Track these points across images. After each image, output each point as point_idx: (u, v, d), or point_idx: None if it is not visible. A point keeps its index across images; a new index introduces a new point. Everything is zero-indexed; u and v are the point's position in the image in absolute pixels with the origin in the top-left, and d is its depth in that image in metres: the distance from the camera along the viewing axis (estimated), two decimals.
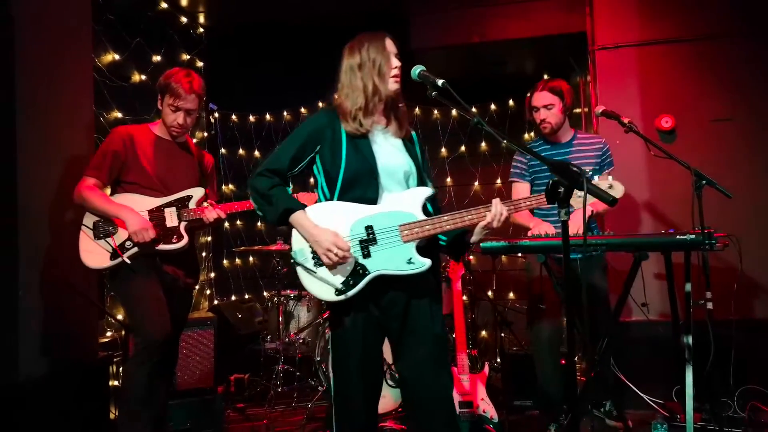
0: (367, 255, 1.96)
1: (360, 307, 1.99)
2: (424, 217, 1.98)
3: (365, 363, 2.01)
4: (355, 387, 2.01)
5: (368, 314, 2.00)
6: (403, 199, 2.01)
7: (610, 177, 2.04)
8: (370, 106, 2.02)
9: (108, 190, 2.77)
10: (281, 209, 1.97)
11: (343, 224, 1.98)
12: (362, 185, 1.99)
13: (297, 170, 2.05)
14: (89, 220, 2.67)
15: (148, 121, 2.88)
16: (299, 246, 2.02)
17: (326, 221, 1.97)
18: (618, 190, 2.00)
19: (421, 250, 1.98)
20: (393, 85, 2.03)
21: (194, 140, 5.25)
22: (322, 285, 1.98)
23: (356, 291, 1.95)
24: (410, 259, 1.95)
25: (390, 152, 2.06)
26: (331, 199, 2.03)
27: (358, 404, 2.01)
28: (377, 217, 1.98)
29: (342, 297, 1.96)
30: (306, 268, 1.99)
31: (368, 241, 1.97)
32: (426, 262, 1.95)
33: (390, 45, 2.06)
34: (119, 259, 2.60)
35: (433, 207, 2.12)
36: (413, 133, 2.20)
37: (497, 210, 1.96)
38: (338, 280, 1.96)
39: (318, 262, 1.97)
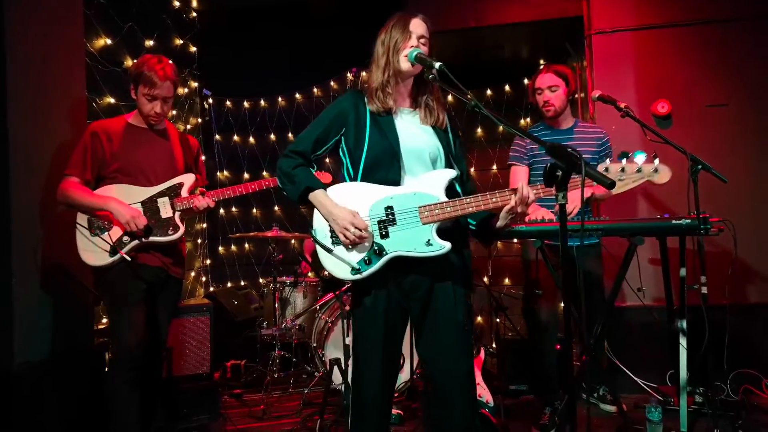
0: (385, 235, 1.95)
1: (382, 288, 1.98)
2: (446, 199, 1.95)
3: (385, 345, 1.99)
4: (373, 369, 1.99)
5: (390, 296, 1.98)
6: (425, 180, 1.99)
7: (656, 160, 1.95)
8: (386, 83, 2.02)
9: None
10: (302, 188, 2.00)
11: (363, 204, 1.97)
12: (384, 166, 1.98)
13: (321, 152, 2.08)
14: (83, 218, 2.65)
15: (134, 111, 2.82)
16: (319, 224, 2.03)
17: (346, 201, 1.98)
18: (664, 174, 1.95)
19: (447, 234, 1.95)
20: (404, 62, 1.99)
21: (188, 126, 5.29)
22: (339, 263, 1.98)
23: (372, 271, 1.95)
24: (429, 241, 1.92)
25: (415, 134, 2.04)
26: (355, 180, 2.02)
27: (374, 386, 1.99)
28: (398, 198, 1.96)
29: (358, 276, 1.96)
30: (324, 247, 2.00)
31: (387, 221, 1.96)
32: (445, 245, 1.92)
33: (415, 25, 2.03)
34: (118, 256, 2.57)
35: (464, 190, 2.07)
36: (449, 124, 2.13)
37: (524, 193, 1.87)
38: (355, 259, 1.96)
39: (336, 240, 1.99)
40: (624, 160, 1.92)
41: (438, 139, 2.07)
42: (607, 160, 1.92)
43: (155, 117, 2.73)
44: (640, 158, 1.93)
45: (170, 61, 2.72)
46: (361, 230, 1.92)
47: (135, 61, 2.74)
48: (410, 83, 2.09)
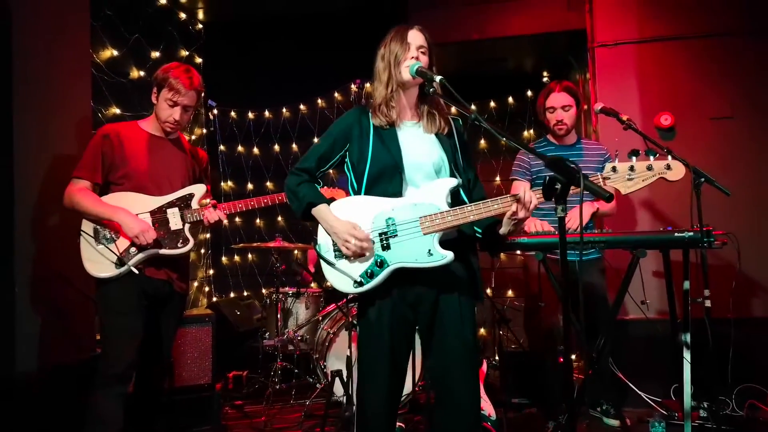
0: (386, 247, 1.95)
1: (387, 301, 1.97)
2: (447, 209, 1.95)
3: (391, 359, 1.97)
4: (378, 383, 1.97)
5: (395, 309, 1.97)
6: (426, 190, 1.99)
7: (669, 156, 1.92)
8: (389, 96, 2.03)
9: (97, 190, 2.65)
10: (305, 203, 2.04)
11: (366, 217, 1.98)
12: (387, 180, 1.99)
13: (327, 168, 2.11)
14: (88, 226, 2.54)
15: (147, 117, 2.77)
16: (323, 239, 2.04)
17: (349, 215, 1.99)
18: (677, 171, 1.88)
19: (452, 244, 1.94)
20: (406, 73, 2.00)
21: (193, 137, 5.32)
22: (342, 277, 1.98)
23: (375, 283, 1.94)
24: (430, 251, 1.91)
25: (419, 146, 2.04)
26: (359, 194, 2.03)
27: (380, 402, 1.97)
28: (399, 209, 1.96)
29: (361, 289, 1.95)
30: (327, 261, 2.01)
31: (388, 233, 1.95)
32: (447, 255, 1.90)
33: (414, 37, 2.04)
34: (125, 268, 2.49)
35: (470, 198, 2.06)
36: (454, 124, 2.13)
37: (525, 198, 1.86)
38: (357, 271, 1.96)
39: (338, 254, 1.99)
40: (634, 158, 1.88)
41: (442, 148, 2.07)
42: (616, 160, 1.88)
43: (173, 124, 2.65)
44: (651, 157, 1.89)
45: (197, 72, 2.69)
46: (361, 241, 1.92)
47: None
48: (414, 93, 2.09)
